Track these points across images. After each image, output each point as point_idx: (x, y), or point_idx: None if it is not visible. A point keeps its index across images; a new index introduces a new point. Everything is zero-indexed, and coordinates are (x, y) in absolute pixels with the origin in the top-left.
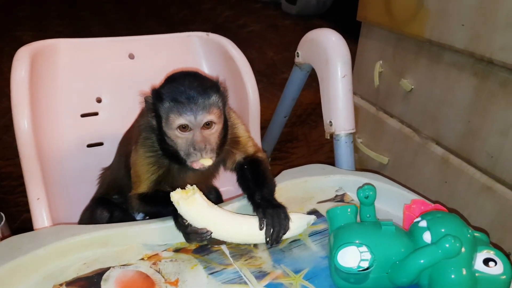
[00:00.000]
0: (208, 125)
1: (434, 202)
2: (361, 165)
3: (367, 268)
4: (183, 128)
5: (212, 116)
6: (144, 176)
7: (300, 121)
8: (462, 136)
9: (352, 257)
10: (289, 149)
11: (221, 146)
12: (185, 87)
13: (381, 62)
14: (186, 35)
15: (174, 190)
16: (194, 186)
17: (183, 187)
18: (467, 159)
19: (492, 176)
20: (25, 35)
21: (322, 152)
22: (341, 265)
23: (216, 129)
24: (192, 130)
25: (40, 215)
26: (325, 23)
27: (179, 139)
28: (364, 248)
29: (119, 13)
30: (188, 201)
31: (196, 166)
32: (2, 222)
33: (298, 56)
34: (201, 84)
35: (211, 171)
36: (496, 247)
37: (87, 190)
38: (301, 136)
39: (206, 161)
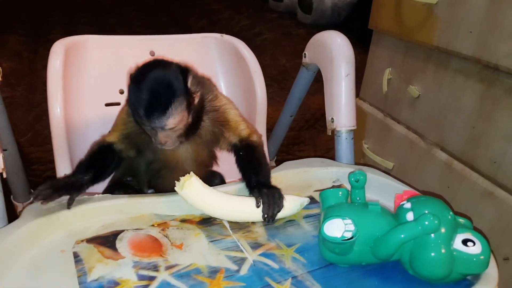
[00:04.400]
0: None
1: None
2: None
3: (351, 238)
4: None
5: (172, 122)
6: (119, 127)
7: (308, 126)
8: (466, 142)
9: (337, 227)
10: (296, 152)
11: (189, 132)
12: (145, 95)
13: (390, 69)
14: (202, 36)
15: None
16: (191, 172)
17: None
18: (470, 164)
19: (494, 182)
20: (57, 38)
21: (329, 156)
22: (327, 234)
23: (178, 128)
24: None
25: None
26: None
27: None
28: (348, 221)
29: (143, 21)
30: (185, 185)
31: (160, 147)
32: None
33: (305, 57)
34: (161, 90)
35: (200, 147)
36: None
37: None
38: (309, 140)
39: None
